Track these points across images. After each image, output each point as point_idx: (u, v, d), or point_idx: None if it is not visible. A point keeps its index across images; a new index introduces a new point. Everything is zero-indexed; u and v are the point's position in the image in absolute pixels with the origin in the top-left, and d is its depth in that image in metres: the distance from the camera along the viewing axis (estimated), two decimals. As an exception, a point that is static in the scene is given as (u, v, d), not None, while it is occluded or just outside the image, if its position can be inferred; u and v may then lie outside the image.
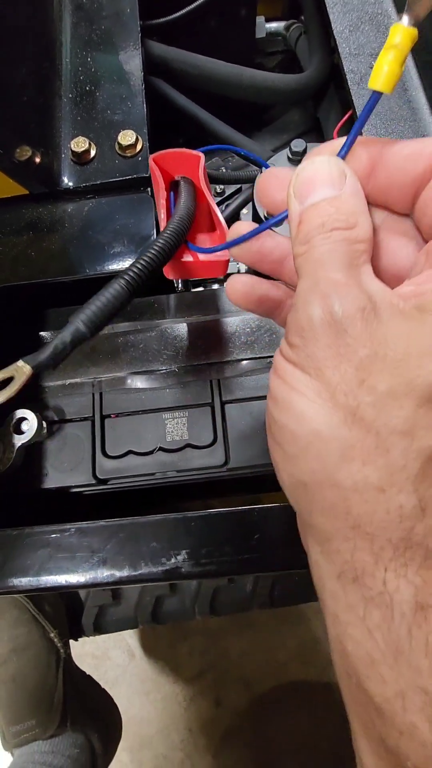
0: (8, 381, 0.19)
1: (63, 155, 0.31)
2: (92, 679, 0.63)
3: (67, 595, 0.56)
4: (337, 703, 0.91)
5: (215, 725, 0.94)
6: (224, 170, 0.51)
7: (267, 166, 0.34)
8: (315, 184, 0.17)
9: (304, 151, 0.39)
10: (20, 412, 0.30)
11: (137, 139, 0.31)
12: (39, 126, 0.31)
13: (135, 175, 0.31)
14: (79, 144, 0.31)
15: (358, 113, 0.32)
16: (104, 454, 0.31)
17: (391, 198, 0.18)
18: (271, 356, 0.32)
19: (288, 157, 0.39)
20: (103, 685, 0.64)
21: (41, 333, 0.34)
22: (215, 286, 0.41)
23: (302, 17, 0.51)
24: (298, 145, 0.39)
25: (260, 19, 0.52)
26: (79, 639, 0.63)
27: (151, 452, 0.31)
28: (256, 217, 0.41)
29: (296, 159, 0.39)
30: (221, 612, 0.60)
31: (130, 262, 0.31)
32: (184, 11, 0.44)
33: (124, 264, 0.30)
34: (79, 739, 0.56)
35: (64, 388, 0.33)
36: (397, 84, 0.16)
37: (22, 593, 0.24)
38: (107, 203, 0.31)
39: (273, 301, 0.22)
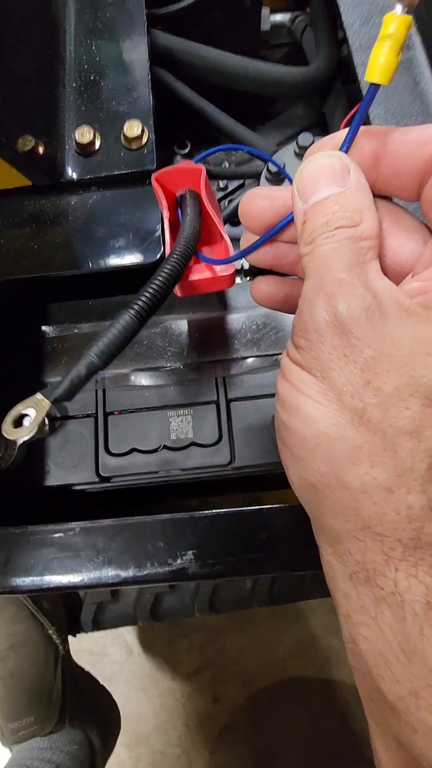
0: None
1: (67, 146, 0.31)
2: (91, 676, 0.63)
3: (66, 592, 0.56)
4: (335, 700, 0.92)
5: (213, 721, 0.94)
6: (227, 165, 0.50)
7: (274, 162, 0.34)
8: (318, 182, 0.17)
9: (312, 145, 0.38)
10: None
11: (143, 130, 0.30)
12: (42, 115, 0.30)
13: (141, 168, 0.30)
14: (84, 135, 0.30)
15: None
16: (107, 451, 0.31)
17: (397, 186, 0.17)
18: (278, 354, 0.32)
19: (294, 152, 0.39)
20: (100, 681, 0.64)
21: (43, 328, 0.33)
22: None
23: (308, 9, 0.50)
24: (305, 139, 0.38)
25: (265, 10, 0.51)
26: (77, 635, 0.62)
27: (155, 450, 0.30)
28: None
29: (303, 153, 0.38)
30: (221, 609, 0.60)
31: (134, 258, 0.31)
32: (189, 1, 0.43)
33: (128, 259, 0.29)
34: (77, 736, 0.56)
35: (66, 384, 0.32)
36: (409, 78, 0.16)
37: (25, 593, 0.23)
38: (112, 196, 0.30)
39: (298, 299, 0.22)
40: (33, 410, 0.29)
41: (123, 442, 0.31)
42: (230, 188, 0.50)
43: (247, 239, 0.22)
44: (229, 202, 0.48)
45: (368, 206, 0.16)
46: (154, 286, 0.21)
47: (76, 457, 0.30)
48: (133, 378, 0.32)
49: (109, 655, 0.98)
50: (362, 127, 0.17)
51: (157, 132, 0.31)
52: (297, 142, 0.38)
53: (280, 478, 0.37)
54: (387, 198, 0.19)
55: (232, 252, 0.25)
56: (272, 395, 0.31)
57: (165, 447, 0.30)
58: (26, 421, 0.30)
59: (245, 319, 0.33)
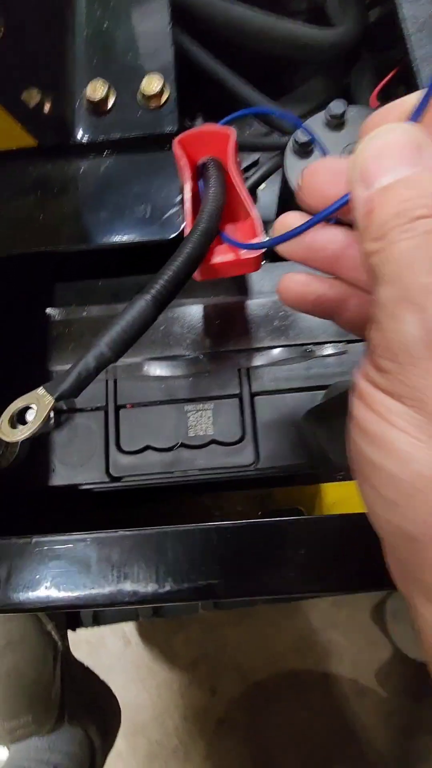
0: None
1: (77, 103, 0.27)
2: (90, 670, 0.61)
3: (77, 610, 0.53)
4: (333, 694, 0.91)
5: (210, 714, 0.93)
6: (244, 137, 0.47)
7: (306, 129, 0.30)
8: (384, 162, 0.14)
9: (344, 114, 0.35)
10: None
11: (164, 86, 0.26)
12: (49, 66, 0.26)
13: (160, 131, 0.27)
14: (97, 90, 0.26)
15: (417, 66, 0.28)
16: (119, 448, 0.28)
17: None
18: (307, 344, 0.29)
19: (324, 121, 0.35)
20: (98, 671, 0.63)
21: (48, 310, 0.30)
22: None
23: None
24: (337, 106, 0.34)
25: (286, -31, 0.47)
26: (77, 630, 0.61)
27: (171, 448, 0.28)
28: (284, 192, 0.37)
29: (335, 123, 0.35)
30: (225, 606, 0.58)
31: (151, 233, 0.28)
32: None
33: (143, 234, 0.26)
34: (77, 735, 0.55)
35: (73, 373, 0.29)
36: None
37: (30, 611, 0.20)
38: (127, 161, 0.27)
39: (332, 301, 0.19)
40: (34, 407, 0.26)
41: (136, 438, 0.28)
42: (243, 164, 0.46)
43: (284, 223, 0.18)
44: (245, 179, 0.45)
45: None
46: (173, 268, 0.18)
47: (83, 455, 0.28)
48: (147, 367, 0.29)
49: (107, 645, 0.97)
50: None
51: (180, 89, 0.27)
52: (329, 109, 0.35)
53: (305, 476, 0.34)
54: None
55: (259, 231, 0.22)
56: (301, 389, 0.28)
57: (182, 445, 0.28)
58: (28, 417, 0.27)
59: (271, 305, 0.30)
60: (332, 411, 0.23)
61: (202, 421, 0.28)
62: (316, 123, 0.36)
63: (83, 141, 0.27)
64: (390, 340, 0.13)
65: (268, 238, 0.19)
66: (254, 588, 0.20)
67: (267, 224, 0.44)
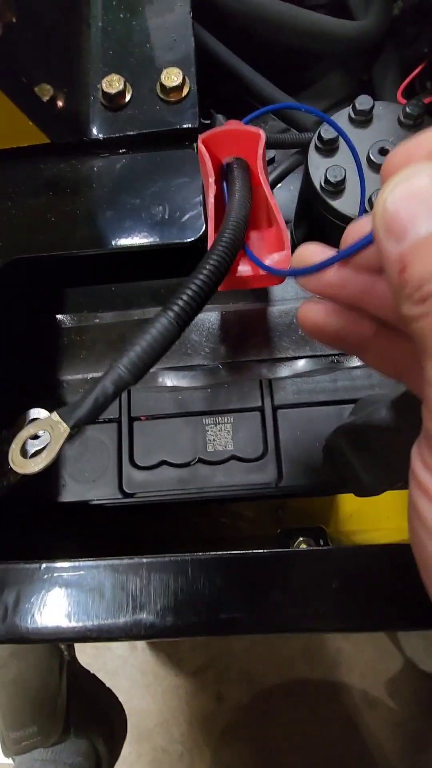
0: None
1: (91, 98, 0.26)
2: (97, 680, 0.60)
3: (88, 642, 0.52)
4: (341, 704, 0.90)
5: (216, 720, 0.92)
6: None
7: (333, 124, 0.28)
8: (414, 210, 0.12)
9: (371, 110, 0.33)
10: (34, 412, 0.25)
11: (184, 80, 0.25)
12: (62, 59, 0.25)
13: (180, 126, 0.25)
14: (113, 84, 0.25)
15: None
16: (132, 463, 0.26)
17: None
18: (334, 355, 0.27)
19: (350, 117, 0.33)
20: (102, 676, 0.61)
21: (59, 316, 0.28)
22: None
23: None
24: (363, 102, 0.33)
25: (308, -41, 0.45)
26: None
27: (188, 464, 0.26)
28: (306, 191, 0.35)
29: (361, 119, 0.33)
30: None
31: (169, 236, 0.26)
32: None
33: (161, 237, 0.25)
34: (82, 746, 0.53)
35: (85, 383, 0.28)
36: None
37: (38, 642, 0.19)
38: (144, 159, 0.25)
39: (356, 337, 0.17)
40: (47, 434, 0.25)
41: (151, 453, 0.26)
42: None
43: (301, 259, 0.17)
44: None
45: None
46: (197, 283, 0.17)
47: (96, 470, 0.26)
48: (162, 378, 0.27)
49: (112, 649, 0.96)
50: None
51: (200, 83, 0.26)
52: (354, 106, 0.33)
53: (332, 488, 0.32)
54: None
55: (286, 243, 0.22)
56: (327, 403, 0.27)
57: (200, 460, 0.26)
58: (40, 442, 0.25)
59: (295, 312, 0.28)
60: (365, 431, 0.21)
61: (221, 436, 0.26)
62: (341, 119, 0.34)
63: (98, 138, 0.25)
64: None
65: (291, 267, 0.17)
66: (282, 623, 0.18)
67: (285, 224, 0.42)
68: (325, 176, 0.31)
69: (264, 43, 0.40)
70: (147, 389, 0.27)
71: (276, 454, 0.26)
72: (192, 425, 0.26)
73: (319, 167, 0.32)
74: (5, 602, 0.19)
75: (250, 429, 0.26)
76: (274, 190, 0.47)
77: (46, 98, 0.23)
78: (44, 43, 0.24)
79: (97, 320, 0.28)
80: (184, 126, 0.25)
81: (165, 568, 0.19)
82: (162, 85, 0.25)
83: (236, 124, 0.25)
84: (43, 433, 0.26)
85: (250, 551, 0.19)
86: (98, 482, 0.26)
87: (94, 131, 0.25)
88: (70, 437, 0.26)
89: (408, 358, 0.16)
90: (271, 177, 0.42)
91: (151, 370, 0.28)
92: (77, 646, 0.58)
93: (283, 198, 0.47)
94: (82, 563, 0.20)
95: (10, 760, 0.53)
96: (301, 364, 0.27)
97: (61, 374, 0.27)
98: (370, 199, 0.30)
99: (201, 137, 0.22)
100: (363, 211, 0.29)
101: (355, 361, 0.27)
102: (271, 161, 0.45)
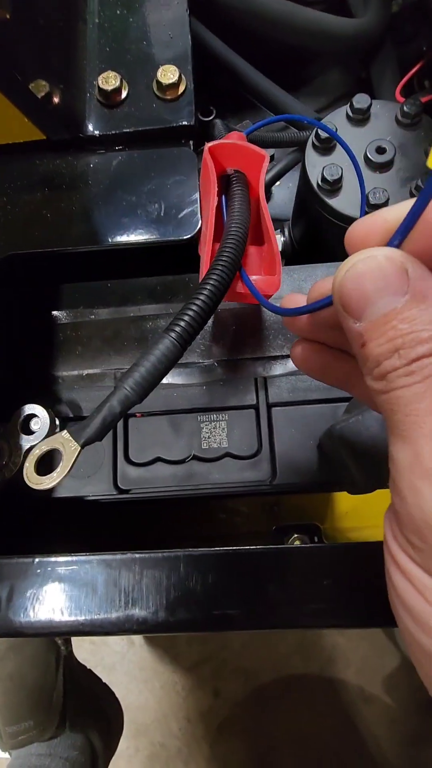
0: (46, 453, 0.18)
1: (88, 95, 0.26)
2: (93, 675, 0.61)
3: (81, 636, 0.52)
4: (337, 699, 0.90)
5: (213, 715, 0.93)
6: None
7: (327, 129, 0.28)
8: (368, 292, 0.12)
9: (368, 109, 0.33)
10: (29, 408, 0.25)
11: (180, 77, 0.25)
12: (58, 55, 0.25)
13: (177, 123, 0.25)
14: (109, 80, 0.25)
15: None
16: (127, 460, 0.26)
17: None
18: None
19: (347, 116, 0.33)
20: (100, 671, 0.62)
21: (54, 312, 0.28)
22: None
23: None
24: (360, 101, 0.33)
25: None
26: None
27: (183, 461, 0.26)
28: (303, 189, 0.35)
29: (358, 118, 0.33)
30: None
31: (164, 233, 0.26)
32: None
33: (157, 234, 0.25)
34: (78, 740, 0.54)
35: (81, 379, 0.28)
36: None
37: (31, 636, 0.19)
38: (141, 157, 0.25)
39: (342, 373, 0.18)
40: (41, 429, 0.25)
41: (146, 449, 0.26)
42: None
43: (292, 300, 0.18)
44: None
45: None
46: (199, 303, 0.18)
47: (90, 466, 0.26)
48: (158, 375, 0.27)
49: (109, 645, 0.96)
50: None
51: (196, 80, 0.26)
52: (351, 104, 0.33)
53: (321, 485, 0.32)
54: None
55: (278, 267, 0.22)
56: (321, 401, 0.27)
57: (194, 457, 0.26)
58: (32, 426, 0.25)
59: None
60: (358, 429, 0.21)
61: (216, 433, 0.26)
62: (339, 117, 0.34)
63: (94, 134, 0.25)
64: (413, 516, 0.12)
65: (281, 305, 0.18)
66: (275, 620, 0.18)
67: (282, 222, 0.42)
68: (322, 174, 0.31)
69: (262, 40, 0.40)
70: (142, 386, 0.27)
71: (270, 452, 0.26)
72: (187, 422, 0.27)
73: (316, 165, 0.32)
74: (-1, 596, 0.19)
75: (245, 426, 0.26)
76: (273, 188, 0.47)
77: (41, 95, 0.23)
78: (40, 40, 0.23)
79: (93, 316, 0.28)
80: (181, 123, 0.25)
81: (158, 564, 0.19)
82: (158, 83, 0.25)
83: (238, 136, 0.25)
84: (37, 429, 0.26)
85: (243, 548, 0.19)
86: (93, 478, 0.26)
87: (90, 128, 0.25)
88: (62, 422, 0.27)
89: None
90: (270, 175, 0.42)
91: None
92: (74, 641, 0.58)
93: (281, 196, 0.47)
94: (75, 558, 0.20)
95: (6, 755, 0.54)
96: (295, 362, 0.27)
97: (56, 370, 0.28)
98: (368, 198, 0.30)
99: (208, 146, 0.23)
100: (363, 211, 0.29)
101: (350, 360, 0.27)
102: (270, 159, 0.45)
